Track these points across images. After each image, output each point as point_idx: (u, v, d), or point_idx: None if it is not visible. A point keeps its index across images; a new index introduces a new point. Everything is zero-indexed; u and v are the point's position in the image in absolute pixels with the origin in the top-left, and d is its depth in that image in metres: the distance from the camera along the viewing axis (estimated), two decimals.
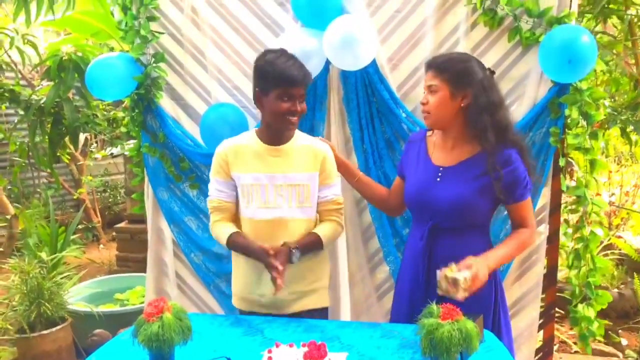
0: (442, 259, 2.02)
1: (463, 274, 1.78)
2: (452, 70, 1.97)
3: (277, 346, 1.65)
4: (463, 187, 1.99)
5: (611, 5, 3.32)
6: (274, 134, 2.11)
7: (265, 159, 2.11)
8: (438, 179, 2.04)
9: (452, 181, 2.02)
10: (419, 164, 2.13)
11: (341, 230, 2.25)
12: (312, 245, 2.12)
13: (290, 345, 1.64)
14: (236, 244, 2.12)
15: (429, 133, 2.17)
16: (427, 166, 2.10)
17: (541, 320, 2.72)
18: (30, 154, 4.19)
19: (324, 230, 2.15)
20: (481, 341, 1.77)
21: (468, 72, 1.96)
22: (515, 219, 2.08)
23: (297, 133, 2.18)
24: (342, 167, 2.28)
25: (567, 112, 2.41)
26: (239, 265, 2.22)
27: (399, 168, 2.27)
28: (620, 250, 4.51)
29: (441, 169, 2.06)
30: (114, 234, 6.18)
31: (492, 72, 2.03)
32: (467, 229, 2.03)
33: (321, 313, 2.23)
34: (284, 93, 2.01)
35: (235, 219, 2.21)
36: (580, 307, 2.55)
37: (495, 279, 2.07)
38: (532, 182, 2.05)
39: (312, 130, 2.61)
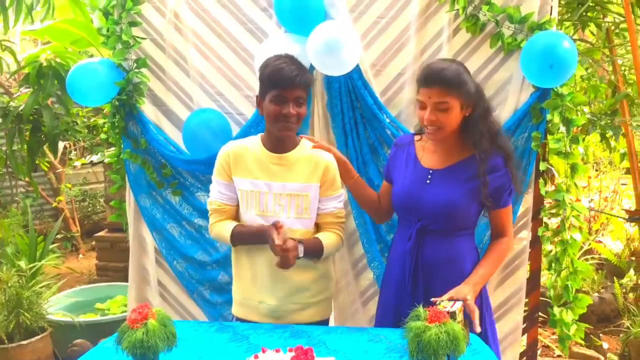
0: (428, 260, 2.04)
1: (457, 306, 1.76)
2: (461, 85, 1.95)
3: (263, 352, 1.63)
4: (453, 190, 2.00)
5: (589, 14, 3.38)
6: (276, 141, 2.09)
7: (266, 166, 2.09)
8: (428, 181, 2.05)
9: (442, 184, 2.03)
10: (408, 167, 2.13)
11: (341, 245, 2.21)
12: (313, 247, 2.08)
13: (277, 351, 1.63)
14: (242, 233, 2.09)
15: (417, 137, 2.17)
16: (416, 169, 2.10)
17: (525, 324, 2.74)
18: (8, 162, 4.12)
19: (326, 238, 2.12)
20: (467, 344, 1.76)
21: (469, 83, 1.98)
22: (496, 225, 2.10)
23: (303, 142, 2.15)
24: (341, 165, 2.22)
25: (548, 117, 2.43)
26: (241, 270, 2.17)
27: (386, 172, 2.27)
28: (600, 254, 4.57)
29: (431, 171, 2.07)
30: (93, 243, 6.10)
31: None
32: (454, 232, 2.05)
33: (321, 324, 2.19)
34: (277, 95, 1.99)
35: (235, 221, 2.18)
36: (557, 310, 2.57)
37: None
38: (514, 190, 2.08)
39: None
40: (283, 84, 1.97)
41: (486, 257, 2.07)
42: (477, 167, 1.98)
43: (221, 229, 2.13)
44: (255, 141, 2.15)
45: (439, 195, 2.01)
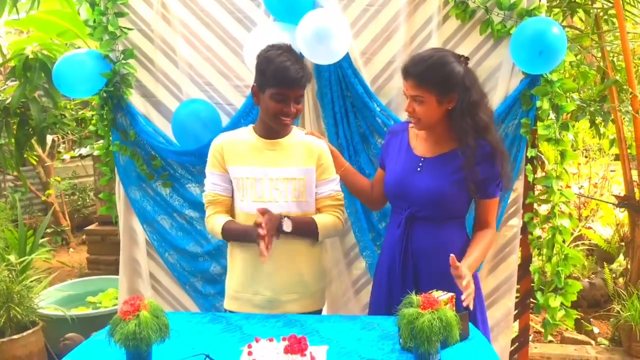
0: (417, 247, 2.05)
1: (448, 296, 1.76)
2: (435, 79, 1.93)
3: (256, 341, 1.63)
4: (443, 178, 2.01)
5: (578, 0, 3.38)
6: (270, 129, 2.09)
7: (261, 152, 2.09)
8: (419, 169, 2.06)
9: (432, 172, 2.03)
10: (401, 154, 2.14)
11: (341, 226, 2.20)
12: (306, 224, 2.07)
13: (270, 340, 1.62)
14: (231, 231, 2.08)
15: (411, 125, 2.17)
16: (408, 156, 2.11)
17: (516, 310, 2.76)
18: None
19: (321, 218, 2.12)
20: (467, 337, 1.77)
21: (451, 77, 1.94)
22: (481, 215, 2.10)
23: (294, 129, 2.16)
24: (331, 155, 2.22)
25: (538, 103, 2.44)
26: (235, 262, 2.17)
27: (380, 159, 2.28)
28: (590, 240, 4.60)
29: (422, 159, 2.07)
30: (84, 237, 6.07)
31: (467, 60, 2.02)
32: (443, 219, 2.06)
33: (315, 314, 2.19)
34: (279, 93, 1.98)
35: (231, 213, 2.17)
36: (540, 296, 2.58)
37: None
38: (502, 184, 2.06)
39: None
40: (288, 84, 1.97)
41: (475, 244, 2.06)
42: (465, 162, 1.98)
43: (214, 223, 2.13)
44: (247, 131, 2.15)
45: (428, 183, 2.02)
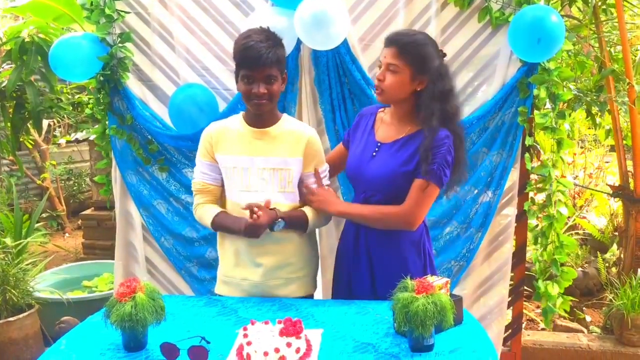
0: (370, 232, 2.08)
1: (443, 281, 1.78)
2: (416, 54, 1.96)
3: (252, 324, 1.64)
4: (392, 166, 2.01)
5: None
6: (257, 116, 2.08)
7: (248, 141, 2.08)
8: (374, 154, 2.07)
9: (384, 158, 2.04)
10: (363, 138, 2.15)
11: (329, 217, 2.23)
12: (297, 221, 2.09)
13: (266, 323, 1.63)
14: (221, 225, 2.10)
15: (380, 109, 2.18)
16: (368, 141, 2.12)
17: (510, 298, 2.78)
18: None
19: (311, 211, 2.12)
20: (461, 322, 1.79)
21: (429, 58, 1.97)
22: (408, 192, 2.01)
23: (285, 117, 2.15)
24: None
25: (535, 92, 2.44)
26: (224, 247, 2.18)
27: (345, 137, 2.28)
28: (584, 230, 4.63)
29: (379, 144, 2.08)
30: (79, 222, 6.06)
31: (444, 55, 2.05)
32: (395, 204, 2.02)
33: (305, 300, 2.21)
34: (245, 75, 1.98)
35: (221, 202, 2.18)
36: (541, 283, 2.60)
37: (423, 248, 2.11)
38: (446, 174, 1.98)
39: (282, 112, 2.58)
40: (249, 63, 1.95)
41: (374, 207, 2.04)
42: (421, 142, 1.96)
43: (203, 214, 2.13)
44: (237, 119, 2.15)
45: (378, 170, 2.03)
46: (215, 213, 2.10)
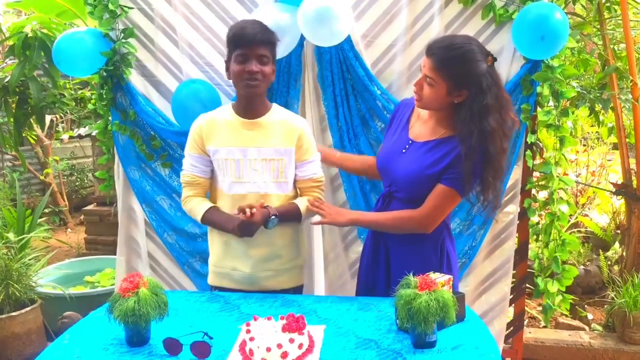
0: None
1: (445, 278, 1.78)
2: (454, 71, 1.86)
3: (255, 319, 1.64)
4: (419, 166, 1.98)
5: None
6: (247, 106, 2.08)
7: (239, 132, 2.09)
8: (404, 150, 2.05)
9: (413, 157, 2.01)
10: (397, 131, 2.14)
11: None
12: (290, 215, 2.10)
13: (269, 319, 1.64)
14: (211, 222, 2.12)
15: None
16: (402, 135, 2.10)
17: (512, 295, 2.78)
18: None
19: (304, 202, 2.14)
20: (463, 319, 1.79)
21: (470, 75, 1.85)
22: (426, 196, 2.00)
23: (275, 107, 2.15)
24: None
25: (538, 89, 2.44)
26: (213, 238, 2.20)
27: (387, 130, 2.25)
28: (586, 228, 4.63)
29: (410, 142, 2.06)
30: (82, 217, 6.07)
31: (493, 60, 1.92)
32: (418, 202, 2.00)
33: (295, 291, 2.23)
34: (239, 54, 1.98)
35: (212, 195, 2.19)
36: (541, 281, 2.60)
37: (442, 244, 2.09)
38: (467, 186, 1.94)
39: (286, 108, 2.58)
40: (244, 42, 1.97)
41: (387, 213, 2.06)
42: (453, 149, 1.92)
43: (194, 207, 2.15)
44: (226, 109, 2.15)
45: (404, 168, 2.01)
46: (205, 208, 2.11)
